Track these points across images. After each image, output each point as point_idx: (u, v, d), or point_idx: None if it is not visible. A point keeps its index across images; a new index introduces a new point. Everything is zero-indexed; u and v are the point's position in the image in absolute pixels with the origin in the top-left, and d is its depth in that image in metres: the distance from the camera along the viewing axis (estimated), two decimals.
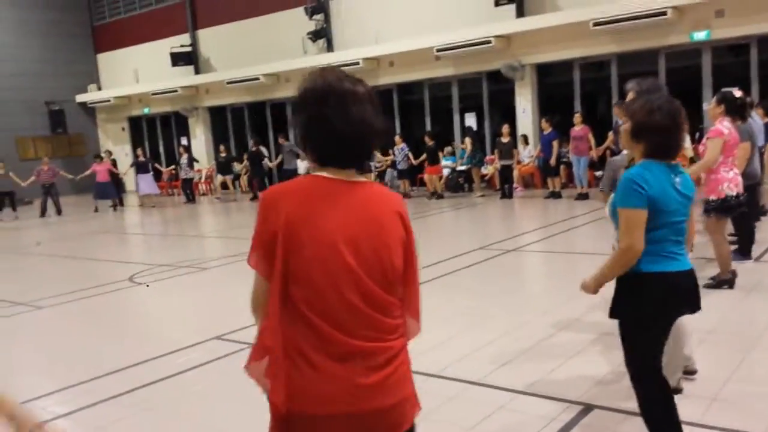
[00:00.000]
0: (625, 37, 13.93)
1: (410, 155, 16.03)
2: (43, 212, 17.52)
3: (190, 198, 19.31)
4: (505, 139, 14.35)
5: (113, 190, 18.37)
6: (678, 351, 3.80)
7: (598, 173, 14.25)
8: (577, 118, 13.44)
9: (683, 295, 2.90)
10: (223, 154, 19.59)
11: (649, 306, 2.85)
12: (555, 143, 13.62)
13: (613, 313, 2.93)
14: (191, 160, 19.63)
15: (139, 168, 18.85)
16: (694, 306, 2.95)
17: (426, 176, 15.85)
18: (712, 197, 5.92)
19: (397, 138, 16.37)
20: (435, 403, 4.06)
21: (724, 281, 5.98)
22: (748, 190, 6.48)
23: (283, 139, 17.84)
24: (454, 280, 7.13)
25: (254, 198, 18.42)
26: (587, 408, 3.75)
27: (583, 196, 13.18)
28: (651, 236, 2.78)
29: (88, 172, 18.52)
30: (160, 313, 6.92)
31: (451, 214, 13.29)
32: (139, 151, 19.56)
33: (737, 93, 6.11)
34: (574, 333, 5.15)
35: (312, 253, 1.78)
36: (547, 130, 13.81)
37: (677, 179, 2.83)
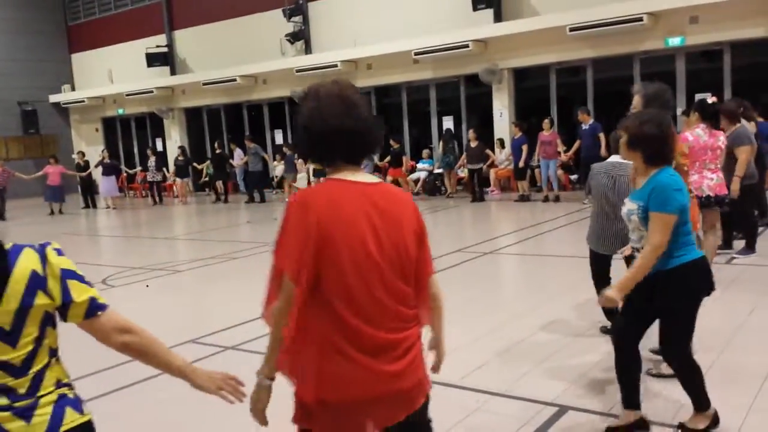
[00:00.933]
0: (601, 42, 14.07)
1: (374, 158, 16.24)
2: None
3: (158, 200, 19.14)
4: (473, 144, 14.46)
5: (61, 194, 18.04)
6: None
7: (573, 177, 14.40)
8: (546, 123, 13.60)
9: (710, 276, 3.33)
10: (181, 158, 19.40)
11: (699, 289, 3.25)
12: (524, 147, 13.74)
13: (672, 302, 3.22)
14: (159, 163, 19.46)
15: (104, 169, 18.67)
16: (712, 288, 3.33)
17: (389, 178, 15.88)
18: (708, 193, 6.18)
19: None
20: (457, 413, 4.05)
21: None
22: (747, 189, 7.09)
23: (249, 141, 17.92)
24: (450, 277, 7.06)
25: (217, 200, 18.29)
26: (562, 409, 3.76)
27: (555, 199, 13.31)
28: (682, 230, 3.20)
29: (39, 174, 18.28)
30: (134, 316, 6.80)
31: (427, 217, 13.32)
32: (104, 153, 19.33)
33: (710, 100, 6.24)
34: (550, 335, 5.17)
35: (346, 253, 1.92)
36: (517, 134, 13.93)
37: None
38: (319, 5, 18.55)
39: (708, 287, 3.30)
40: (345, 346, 1.95)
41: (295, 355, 2.03)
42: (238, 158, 18.91)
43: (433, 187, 16.19)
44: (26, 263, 1.76)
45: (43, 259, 1.79)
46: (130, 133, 24.58)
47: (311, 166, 17.10)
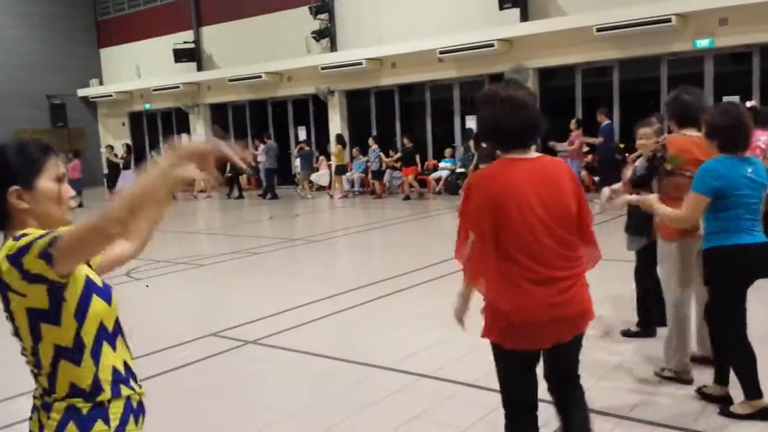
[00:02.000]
0: (628, 43, 13.92)
1: (382, 156, 16.60)
2: None
3: (173, 195, 19.23)
4: (484, 144, 14.39)
5: (78, 187, 18.29)
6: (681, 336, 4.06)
7: (596, 178, 14.28)
8: (573, 124, 13.51)
9: (759, 263, 3.46)
10: None
11: (730, 273, 3.45)
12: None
13: (708, 282, 3.57)
14: None
15: (124, 164, 18.91)
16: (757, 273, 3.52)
17: (403, 178, 15.94)
18: None
19: (370, 140, 16.58)
20: (429, 403, 4.07)
21: None
22: None
23: (267, 138, 18.14)
24: (455, 280, 7.06)
25: (230, 195, 18.36)
26: None
27: None
28: (725, 215, 3.38)
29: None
30: (158, 309, 6.89)
31: (448, 217, 13.29)
32: (123, 148, 19.51)
33: (749, 104, 6.43)
34: None
35: (517, 213, 2.48)
36: None
37: (749, 169, 3.41)
38: (346, 3, 18.58)
39: (754, 274, 3.48)
40: (522, 282, 2.50)
41: (486, 288, 2.62)
42: (262, 154, 19.04)
43: (455, 186, 16.14)
44: None
45: (15, 258, 1.60)
46: (156, 127, 24.84)
47: (332, 163, 17.19)
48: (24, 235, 1.62)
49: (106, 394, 1.69)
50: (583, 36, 14.15)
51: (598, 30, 13.82)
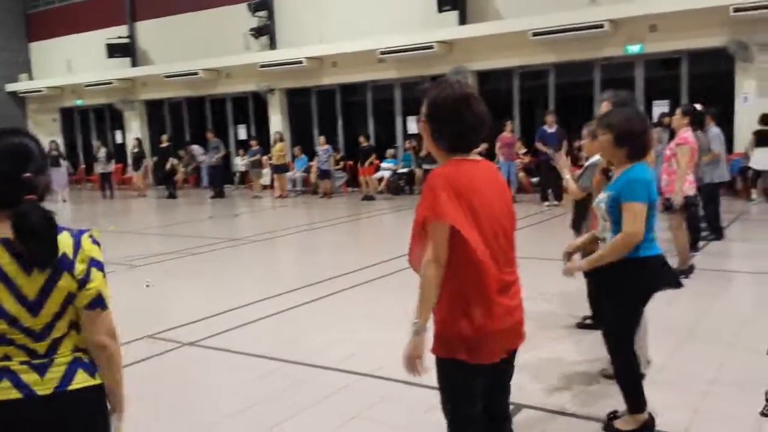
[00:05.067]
0: (563, 47, 14.30)
1: (334, 156, 16.63)
2: None
3: (109, 194, 18.82)
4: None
5: None
6: (644, 338, 4.09)
7: (534, 179, 14.61)
8: (507, 125, 13.87)
9: (665, 274, 3.42)
10: (136, 150, 19.19)
11: (642, 285, 3.33)
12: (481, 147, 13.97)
13: (610, 294, 3.40)
14: (110, 155, 19.17)
15: (51, 162, 18.28)
16: (676, 284, 3.47)
17: (361, 177, 15.98)
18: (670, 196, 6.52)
19: (321, 139, 16.61)
20: (370, 402, 4.09)
21: (683, 272, 6.47)
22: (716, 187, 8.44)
23: (211, 135, 18.05)
24: (396, 280, 6.91)
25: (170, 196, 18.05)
26: (516, 408, 3.83)
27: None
28: (647, 225, 3.27)
29: None
30: None
31: (392, 216, 13.37)
32: (52, 144, 18.91)
33: (698, 107, 6.72)
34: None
35: (482, 213, 2.39)
36: None
37: (652, 177, 3.37)
38: (285, 0, 18.45)
39: (664, 284, 3.41)
40: (487, 288, 2.37)
41: (447, 301, 2.39)
42: (200, 153, 18.76)
43: (397, 187, 16.26)
44: (61, 246, 1.95)
45: (77, 244, 1.99)
46: (88, 124, 24.09)
47: (273, 162, 17.05)
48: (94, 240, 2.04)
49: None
50: (519, 40, 14.46)
51: (534, 34, 14.15)
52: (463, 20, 15.60)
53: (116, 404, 2.18)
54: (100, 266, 2.03)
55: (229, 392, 4.48)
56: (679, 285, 3.50)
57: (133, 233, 12.54)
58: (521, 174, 14.50)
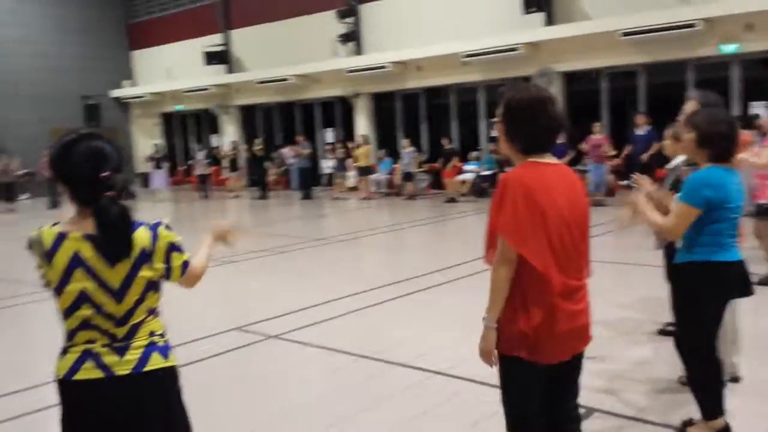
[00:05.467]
0: (654, 48, 13.93)
1: (417, 158, 16.89)
2: (51, 204, 17.86)
3: (206, 195, 19.74)
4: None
5: None
6: (729, 346, 4.04)
7: (625, 182, 14.25)
8: (596, 127, 13.59)
9: (735, 281, 3.34)
10: (231, 153, 20.10)
11: (705, 290, 3.28)
12: (570, 153, 13.82)
13: (684, 298, 3.43)
14: (208, 157, 20.11)
15: (154, 164, 19.44)
16: (746, 292, 3.41)
17: (446, 180, 16.14)
18: (762, 201, 6.34)
19: (405, 142, 16.81)
20: (440, 399, 4.25)
21: None
22: None
23: (302, 138, 18.67)
24: (475, 282, 7.05)
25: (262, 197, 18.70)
26: (589, 411, 3.87)
27: (597, 203, 13.26)
28: (711, 229, 3.23)
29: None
30: (185, 302, 7.15)
31: (474, 218, 13.43)
32: (155, 147, 20.04)
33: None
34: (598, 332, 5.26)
35: (552, 218, 2.42)
36: (559, 140, 13.92)
37: (736, 180, 3.30)
38: (372, 7, 18.81)
39: (729, 292, 3.34)
40: (550, 290, 2.43)
41: (509, 299, 2.48)
42: (289, 156, 19.40)
43: (480, 189, 16.28)
44: (139, 240, 2.19)
45: (154, 236, 2.23)
46: (186, 128, 25.35)
47: (358, 165, 17.45)
48: (167, 227, 2.32)
49: (166, 336, 2.35)
50: (607, 40, 14.19)
51: (623, 34, 13.85)
52: (549, 21, 15.46)
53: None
54: (176, 247, 2.30)
55: (304, 383, 4.76)
56: (749, 293, 3.43)
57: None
58: (610, 176, 14.21)
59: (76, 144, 2.16)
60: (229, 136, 22.80)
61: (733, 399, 3.70)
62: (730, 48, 13.20)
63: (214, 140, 23.79)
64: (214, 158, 21.62)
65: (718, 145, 3.27)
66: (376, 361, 5.01)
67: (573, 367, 2.65)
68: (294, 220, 14.52)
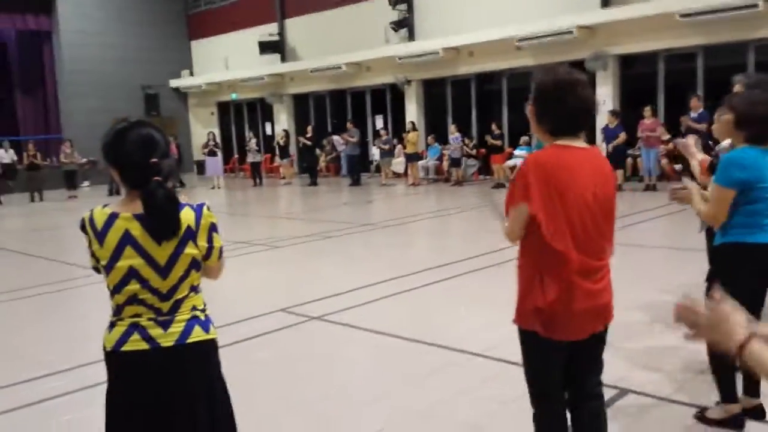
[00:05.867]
0: (713, 29, 13.47)
1: (466, 144, 16.83)
2: (111, 191, 18.60)
3: (259, 181, 20.09)
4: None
5: None
6: None
7: (678, 166, 13.91)
8: (647, 111, 13.35)
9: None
10: (283, 140, 20.33)
11: (739, 271, 3.21)
12: (622, 135, 13.60)
13: (713, 277, 3.35)
14: (260, 145, 20.51)
15: (209, 152, 19.91)
16: None
17: (494, 165, 16.06)
18: None
19: (452, 127, 16.75)
20: (480, 378, 4.28)
21: None
22: None
23: (351, 125, 18.80)
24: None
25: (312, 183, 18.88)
26: (622, 392, 3.87)
27: (651, 187, 13.01)
28: (747, 209, 3.18)
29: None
30: (233, 285, 7.37)
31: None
32: (210, 136, 20.48)
33: None
34: (631, 318, 5.21)
35: (572, 199, 2.45)
36: (613, 123, 13.71)
37: None
38: None
39: (762, 274, 3.25)
40: (565, 269, 2.46)
41: (527, 274, 2.56)
42: (340, 143, 19.58)
43: None
44: (185, 219, 2.32)
45: (199, 216, 2.36)
46: (242, 117, 25.83)
47: (407, 151, 17.48)
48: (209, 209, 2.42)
49: (207, 310, 2.47)
50: (665, 22, 13.80)
51: (682, 16, 13.44)
52: (605, 3, 15.11)
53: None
54: (216, 230, 2.43)
55: (345, 363, 4.85)
56: None
57: (278, 218, 13.43)
58: (664, 161, 13.86)
59: (128, 131, 2.32)
60: (282, 124, 23.15)
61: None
62: None
63: (268, 128, 24.19)
64: (266, 146, 22.00)
65: (756, 126, 3.21)
66: (418, 342, 5.07)
67: (594, 344, 2.65)
68: (342, 206, 14.68)
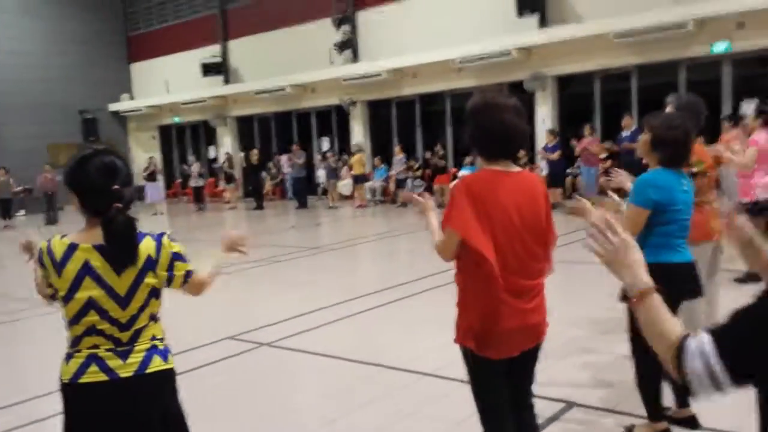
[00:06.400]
0: (646, 48, 14.00)
1: (409, 165, 17.03)
2: (48, 220, 17.90)
3: (201, 206, 19.79)
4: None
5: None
6: None
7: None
8: (587, 129, 13.70)
9: (684, 283, 3.33)
10: (226, 164, 20.16)
11: (668, 291, 3.07)
12: (557, 153, 14.02)
13: (624, 297, 3.31)
14: (203, 169, 20.32)
15: (148, 177, 19.48)
16: (695, 293, 3.42)
17: (436, 186, 16.23)
18: (745, 200, 6.33)
19: (396, 149, 16.90)
20: (427, 399, 4.28)
21: (752, 276, 6.21)
22: None
23: (297, 147, 18.84)
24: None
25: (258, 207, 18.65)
26: (568, 405, 3.93)
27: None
28: (660, 230, 3.24)
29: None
30: (178, 312, 7.17)
31: None
32: (149, 161, 20.10)
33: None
34: (571, 334, 5.30)
35: (499, 221, 2.51)
36: (552, 142, 14.07)
37: (684, 182, 3.33)
38: (367, 14, 18.93)
39: (678, 294, 3.31)
40: (496, 289, 2.51)
41: (461, 292, 2.66)
42: (286, 165, 19.49)
43: None
44: (145, 249, 2.33)
45: (159, 245, 2.37)
46: (184, 140, 25.44)
47: (353, 173, 17.53)
48: (171, 238, 2.45)
49: (165, 340, 2.48)
50: (601, 42, 14.28)
51: (616, 36, 13.93)
52: (543, 24, 15.54)
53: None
54: (180, 257, 2.44)
55: (299, 388, 4.80)
56: (699, 294, 3.45)
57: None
58: (603, 179, 14.22)
59: (91, 158, 2.34)
60: (225, 147, 22.90)
61: None
62: (721, 47, 13.27)
63: (212, 152, 23.89)
64: (210, 170, 21.72)
65: (670, 149, 3.29)
66: (367, 365, 5.04)
67: (527, 359, 2.74)
68: (289, 229, 14.57)
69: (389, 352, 5.30)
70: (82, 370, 2.30)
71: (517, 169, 2.66)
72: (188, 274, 2.48)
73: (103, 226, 2.25)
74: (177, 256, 2.44)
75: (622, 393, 4.10)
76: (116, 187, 2.30)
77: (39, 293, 2.42)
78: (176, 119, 24.57)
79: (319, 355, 5.38)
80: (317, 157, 20.38)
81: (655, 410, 3.42)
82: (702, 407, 3.50)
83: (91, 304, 2.28)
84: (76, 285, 2.27)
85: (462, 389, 4.29)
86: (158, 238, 2.40)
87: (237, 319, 6.84)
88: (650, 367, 3.32)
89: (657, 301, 1.51)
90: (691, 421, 3.52)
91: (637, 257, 1.60)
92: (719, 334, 1.36)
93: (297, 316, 6.56)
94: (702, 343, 1.35)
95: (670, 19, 13.28)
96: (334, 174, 18.02)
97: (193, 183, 20.21)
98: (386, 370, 4.90)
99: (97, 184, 2.29)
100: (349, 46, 19.16)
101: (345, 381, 4.78)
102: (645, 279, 1.55)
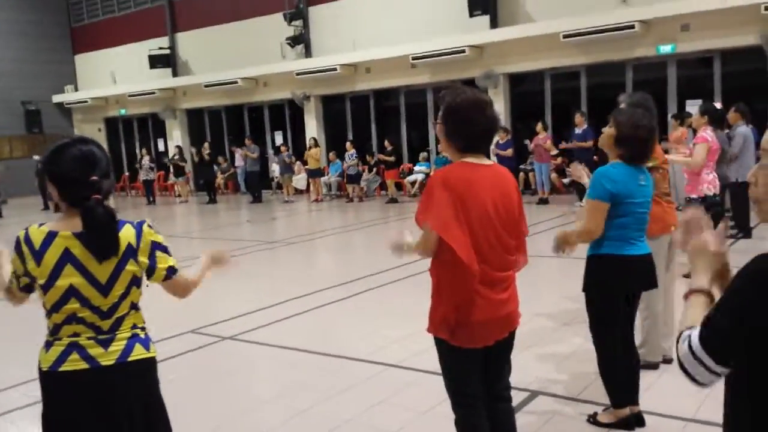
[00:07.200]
0: (594, 49, 14.37)
1: (361, 160, 17.04)
2: None
3: (152, 200, 19.45)
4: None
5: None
6: (653, 332, 4.28)
7: (566, 180, 14.69)
8: (539, 127, 13.98)
9: (640, 275, 3.46)
10: (177, 158, 19.81)
11: (611, 283, 3.40)
12: (510, 151, 14.36)
13: (590, 288, 3.50)
14: (153, 162, 19.92)
15: None
16: (650, 285, 3.55)
17: (387, 181, 16.37)
18: (693, 195, 6.52)
19: (347, 144, 16.93)
20: (395, 389, 4.36)
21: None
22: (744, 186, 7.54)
23: (249, 141, 18.62)
24: (421, 279, 7.32)
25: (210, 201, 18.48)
26: (533, 394, 4.06)
27: (543, 201, 13.71)
28: (617, 223, 3.32)
29: None
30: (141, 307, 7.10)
31: None
32: None
33: (718, 105, 6.73)
34: (533, 326, 5.45)
35: (475, 214, 2.59)
36: (504, 139, 14.37)
37: (641, 177, 3.39)
38: (320, 9, 18.86)
39: (634, 285, 3.48)
40: (466, 281, 2.59)
41: (436, 283, 2.71)
42: (239, 159, 19.29)
43: None
44: (125, 236, 2.32)
45: (139, 233, 2.36)
46: (132, 133, 24.90)
47: (308, 167, 17.49)
48: (151, 227, 2.44)
49: (147, 328, 2.50)
50: (550, 42, 14.57)
51: (565, 36, 14.25)
52: (494, 24, 15.78)
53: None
54: (161, 247, 2.43)
55: (264, 381, 4.81)
56: (654, 286, 3.59)
57: (177, 237, 13.02)
58: (554, 175, 14.60)
59: (69, 147, 2.29)
60: (176, 140, 22.50)
61: (668, 378, 3.92)
62: (666, 48, 13.73)
63: (161, 144, 23.45)
64: (160, 163, 21.31)
65: (635, 147, 3.36)
66: (331, 356, 5.09)
67: (502, 349, 2.82)
68: (243, 224, 14.45)
69: (352, 344, 5.36)
70: (62, 358, 2.28)
71: (489, 161, 2.77)
72: (171, 270, 2.46)
73: (83, 217, 2.23)
74: (158, 246, 2.42)
75: (585, 382, 4.26)
76: (95, 178, 2.27)
77: (5, 294, 2.32)
78: (122, 111, 24.01)
79: (283, 348, 5.41)
80: (270, 152, 20.25)
81: (618, 398, 3.54)
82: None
83: (72, 292, 2.25)
84: (56, 273, 2.24)
85: (427, 379, 4.42)
86: (138, 226, 2.38)
87: (198, 313, 6.75)
88: (612, 356, 3.48)
89: (699, 301, 1.65)
90: (639, 418, 3.59)
91: (709, 263, 1.73)
92: (703, 322, 1.52)
93: (258, 309, 6.57)
94: (693, 331, 1.53)
95: (617, 20, 13.66)
96: (288, 168, 17.93)
97: (144, 176, 19.80)
98: (350, 362, 4.95)
99: (75, 175, 2.25)
100: (301, 41, 19.06)
101: (310, 373, 4.82)
102: (701, 282, 1.69)
